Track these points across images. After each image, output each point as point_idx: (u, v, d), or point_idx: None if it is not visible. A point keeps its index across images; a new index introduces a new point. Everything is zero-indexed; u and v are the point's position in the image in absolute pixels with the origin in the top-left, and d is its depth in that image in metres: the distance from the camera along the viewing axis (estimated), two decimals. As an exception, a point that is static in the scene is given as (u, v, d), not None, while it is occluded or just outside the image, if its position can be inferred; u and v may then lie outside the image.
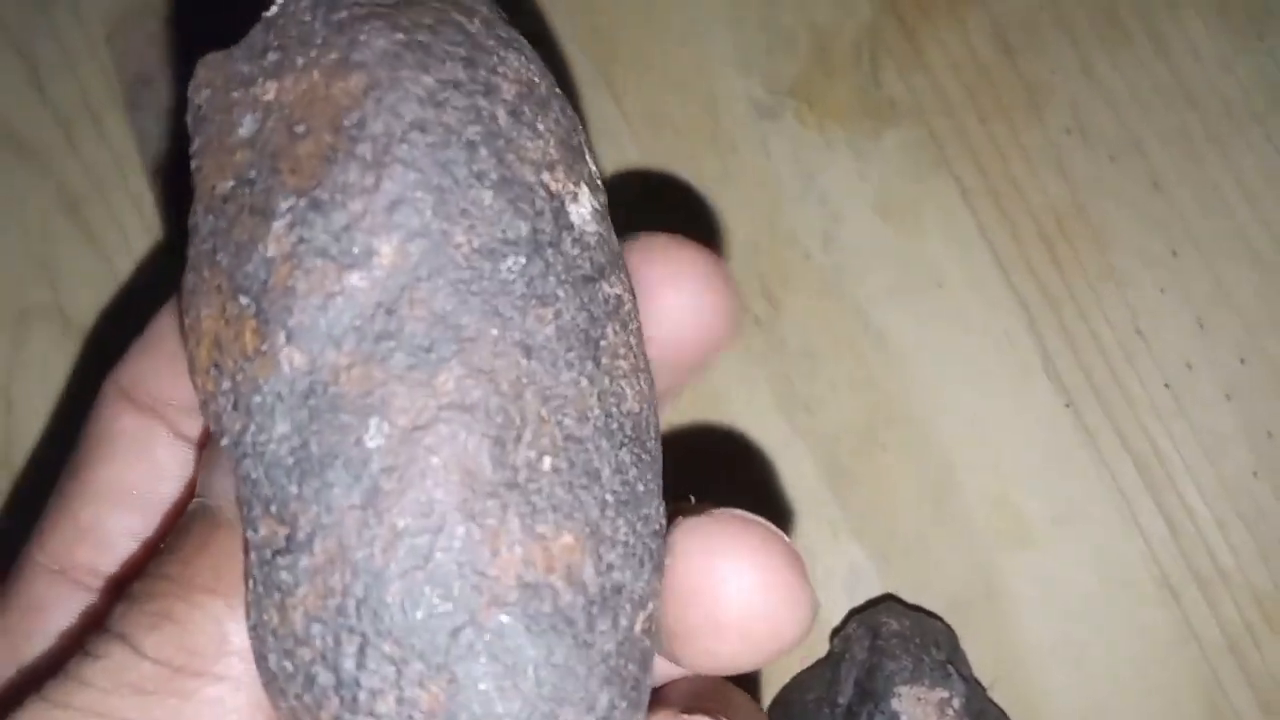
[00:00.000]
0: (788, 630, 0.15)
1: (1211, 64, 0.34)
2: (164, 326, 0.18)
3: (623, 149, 0.37)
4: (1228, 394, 0.33)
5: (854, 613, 0.33)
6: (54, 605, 0.17)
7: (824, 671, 0.31)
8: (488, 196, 0.14)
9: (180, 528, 0.15)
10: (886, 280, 0.35)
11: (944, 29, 0.35)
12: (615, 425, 0.14)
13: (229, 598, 0.14)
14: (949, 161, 0.35)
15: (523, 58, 0.15)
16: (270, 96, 0.14)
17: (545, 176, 0.14)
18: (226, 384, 0.14)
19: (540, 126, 0.15)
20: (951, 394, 0.34)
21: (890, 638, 0.29)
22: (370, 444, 0.13)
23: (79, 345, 0.39)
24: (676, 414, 0.35)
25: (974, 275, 0.34)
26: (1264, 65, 0.34)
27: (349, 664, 0.13)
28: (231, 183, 0.14)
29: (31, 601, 0.17)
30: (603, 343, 0.14)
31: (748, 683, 0.34)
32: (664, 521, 0.15)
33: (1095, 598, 0.33)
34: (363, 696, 0.13)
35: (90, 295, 0.39)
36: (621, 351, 0.15)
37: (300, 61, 0.14)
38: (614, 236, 0.16)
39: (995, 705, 0.31)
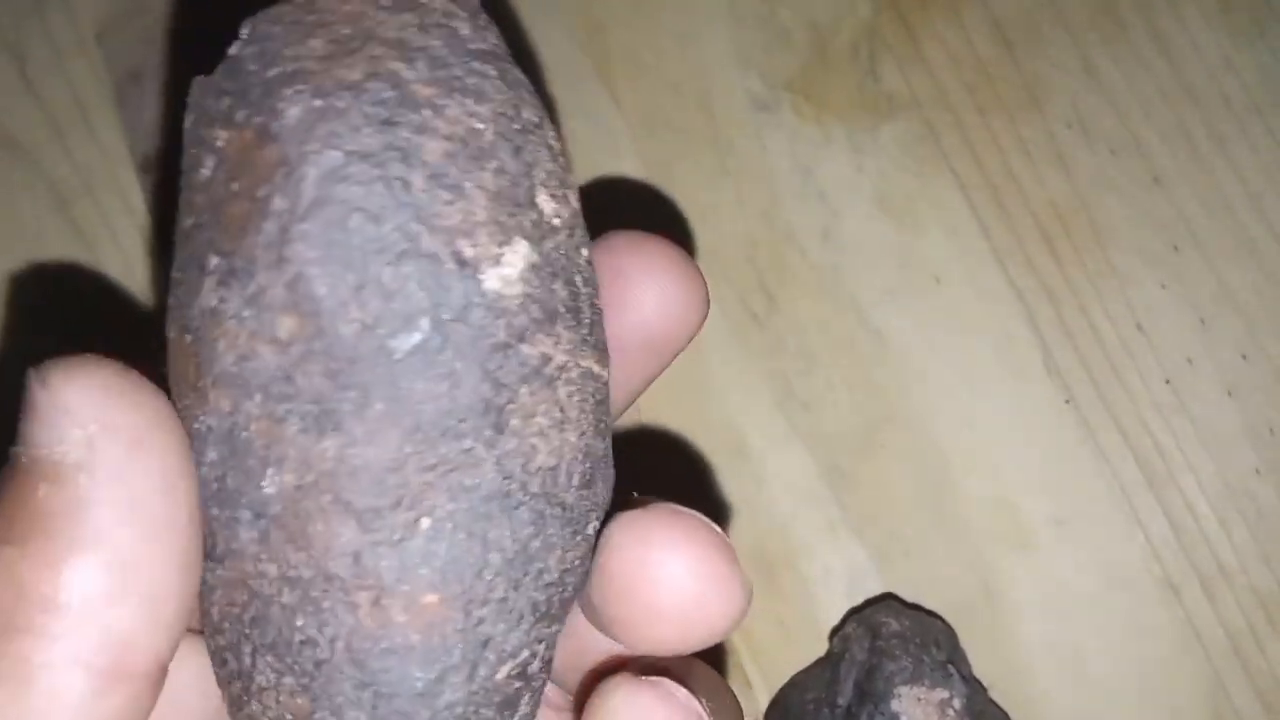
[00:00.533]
0: (721, 616, 0.16)
1: (1212, 59, 0.34)
2: None
3: (619, 145, 0.36)
4: (1229, 391, 0.33)
5: (853, 612, 0.33)
6: None
7: (823, 672, 0.31)
8: (386, 273, 0.14)
9: None
10: (885, 276, 0.35)
11: (942, 24, 0.35)
12: (515, 485, 0.15)
13: (21, 544, 0.13)
14: (948, 156, 0.35)
15: (471, 99, 0.15)
16: (221, 144, 0.15)
17: (461, 243, 0.15)
18: (183, 401, 0.15)
19: (467, 185, 0.15)
20: (950, 391, 0.34)
21: (890, 638, 0.29)
22: (267, 490, 0.14)
23: (68, 346, 0.39)
24: (674, 412, 0.35)
25: (973, 271, 0.34)
26: (1264, 61, 0.34)
27: (246, 661, 0.15)
28: (190, 220, 0.15)
29: None
30: (510, 406, 0.15)
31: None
32: (574, 565, 0.16)
33: (1096, 597, 0.33)
34: (253, 688, 0.15)
35: (80, 294, 0.39)
36: (541, 409, 0.15)
37: (239, 116, 0.15)
38: (571, 272, 0.16)
39: (996, 705, 0.31)
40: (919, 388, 0.34)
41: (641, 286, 0.18)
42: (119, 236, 0.39)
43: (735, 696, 0.18)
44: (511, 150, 0.16)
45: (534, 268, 0.15)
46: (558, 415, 0.15)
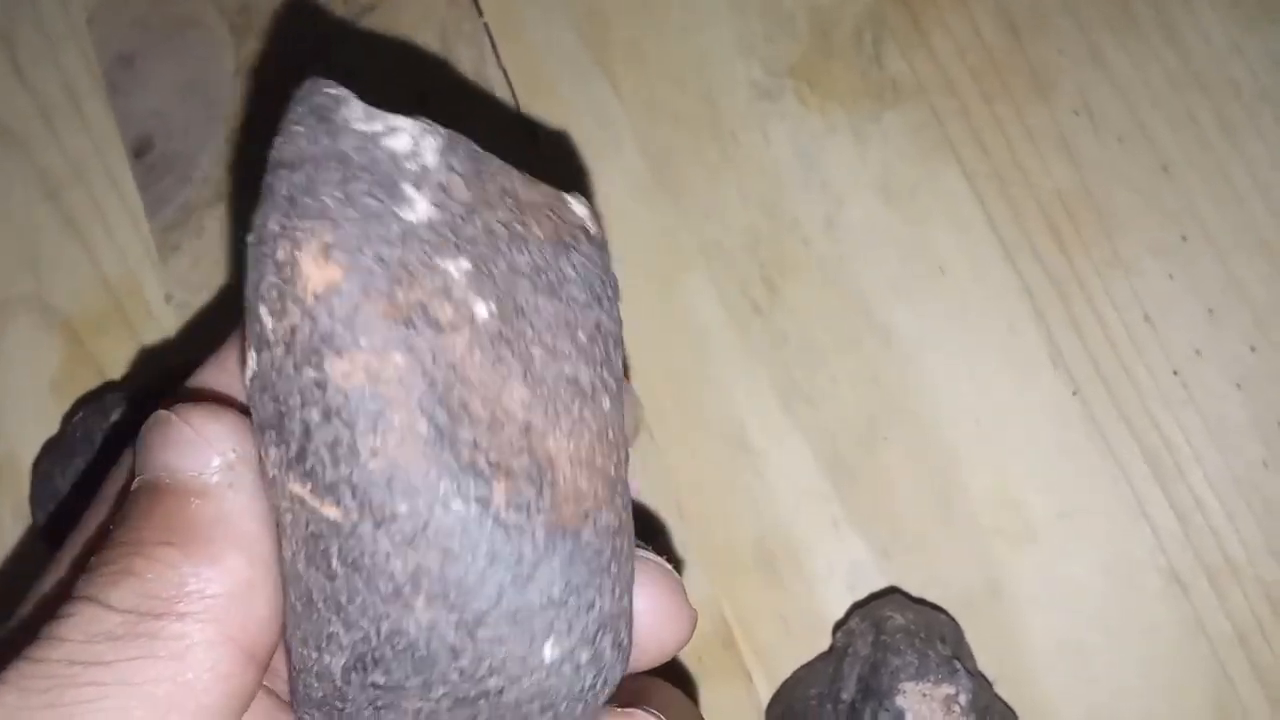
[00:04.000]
0: (671, 640, 0.20)
1: (1221, 47, 0.33)
2: None
3: (620, 135, 0.36)
4: (1238, 383, 0.32)
5: (857, 606, 0.32)
6: None
7: (826, 666, 0.30)
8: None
9: (126, 505, 0.17)
10: (889, 267, 0.34)
11: (948, 9, 0.35)
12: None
13: (182, 546, 0.16)
14: (953, 144, 0.34)
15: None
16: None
17: None
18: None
19: None
20: (955, 383, 0.33)
21: (895, 632, 0.28)
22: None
23: (60, 335, 0.38)
24: (675, 405, 0.35)
25: (978, 261, 0.34)
26: (1274, 48, 0.33)
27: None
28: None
29: None
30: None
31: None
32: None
33: (1101, 590, 0.32)
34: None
35: (71, 284, 0.38)
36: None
37: (346, 342, 0.15)
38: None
39: (1001, 701, 0.30)
40: (923, 379, 0.33)
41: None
42: (111, 224, 0.38)
43: (701, 716, 0.21)
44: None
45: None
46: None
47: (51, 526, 0.34)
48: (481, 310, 0.16)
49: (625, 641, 0.17)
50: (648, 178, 0.35)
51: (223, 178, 0.38)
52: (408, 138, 0.16)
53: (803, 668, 0.31)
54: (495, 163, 0.17)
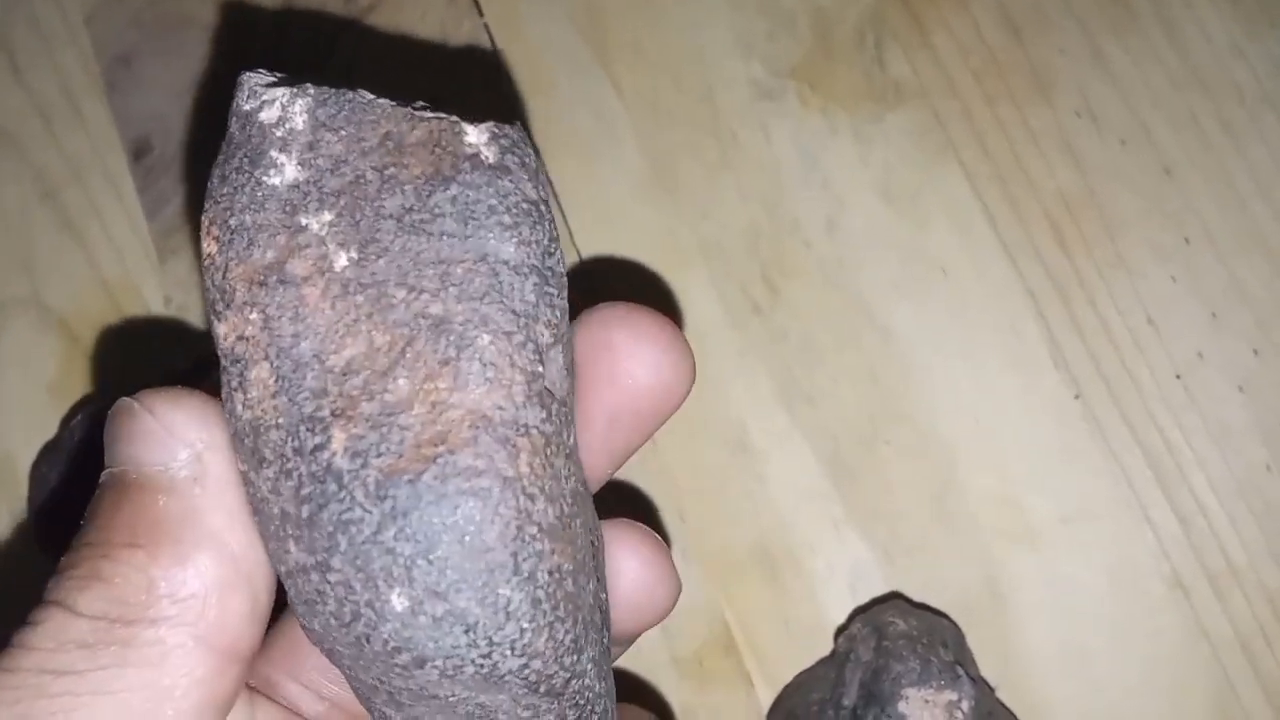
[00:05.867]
0: (653, 607, 0.20)
1: (1223, 48, 0.33)
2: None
3: (620, 135, 0.36)
4: (1240, 386, 0.32)
5: (859, 611, 0.32)
6: None
7: (827, 672, 0.30)
8: None
9: (94, 501, 0.17)
10: (890, 268, 0.34)
11: (950, 10, 0.34)
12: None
13: (149, 547, 0.16)
14: (955, 146, 0.34)
15: None
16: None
17: None
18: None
19: None
20: (956, 385, 0.33)
21: (897, 638, 0.28)
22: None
23: (58, 336, 0.38)
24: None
25: (980, 263, 0.34)
26: (1275, 50, 0.33)
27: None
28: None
29: None
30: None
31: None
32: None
33: (1103, 594, 0.32)
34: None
35: (69, 285, 0.38)
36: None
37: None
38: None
39: (1004, 706, 0.30)
40: (924, 381, 0.33)
41: (632, 360, 0.19)
42: (108, 224, 0.38)
43: None
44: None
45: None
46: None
47: (47, 529, 0.33)
48: (341, 259, 0.16)
49: (517, 603, 0.16)
50: (648, 176, 0.35)
51: (221, 179, 0.38)
52: (277, 106, 0.17)
53: (804, 673, 0.31)
54: (384, 109, 0.17)
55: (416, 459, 0.16)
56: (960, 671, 0.27)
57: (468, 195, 0.16)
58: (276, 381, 0.16)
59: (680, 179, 0.35)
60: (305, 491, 0.16)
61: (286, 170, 0.16)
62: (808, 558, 0.33)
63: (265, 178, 0.16)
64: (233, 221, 0.16)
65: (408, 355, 0.16)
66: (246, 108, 0.17)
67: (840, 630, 0.32)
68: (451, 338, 0.16)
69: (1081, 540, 0.32)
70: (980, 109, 0.34)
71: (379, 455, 0.16)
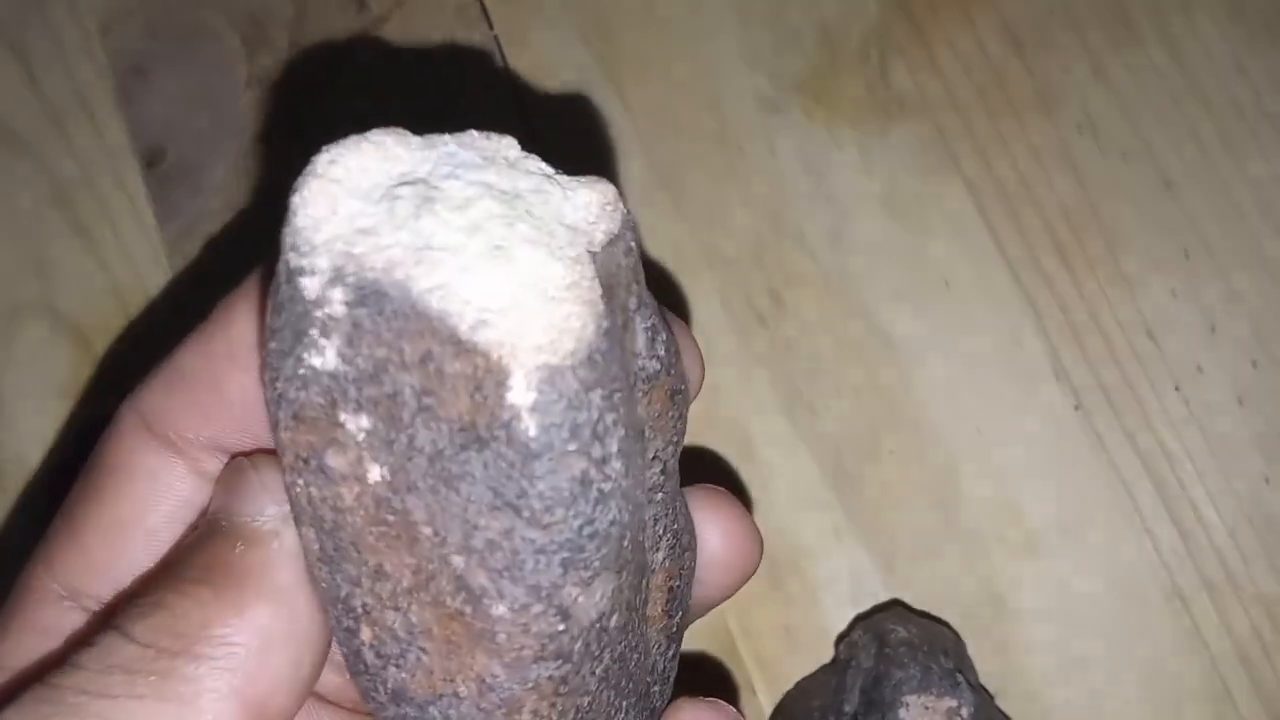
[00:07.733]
0: (741, 566, 0.21)
1: (1224, 64, 0.34)
2: (189, 363, 0.20)
3: (627, 147, 0.36)
4: (1239, 398, 0.33)
5: (860, 618, 0.32)
6: (62, 631, 0.18)
7: (828, 679, 0.30)
8: None
9: (182, 541, 0.18)
10: (893, 280, 0.34)
11: (953, 26, 0.35)
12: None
13: (215, 587, 0.16)
14: (958, 159, 0.34)
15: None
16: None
17: None
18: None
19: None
20: (958, 396, 0.34)
21: (898, 645, 0.28)
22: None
23: (70, 341, 0.39)
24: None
25: (982, 276, 0.34)
26: (1276, 66, 0.34)
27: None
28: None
29: (41, 626, 0.18)
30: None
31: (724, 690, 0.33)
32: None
33: (1103, 605, 0.32)
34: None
35: (81, 291, 0.39)
36: None
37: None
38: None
39: (1003, 714, 0.30)
40: (926, 392, 0.34)
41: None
42: (121, 232, 0.39)
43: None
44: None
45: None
46: None
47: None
48: (374, 473, 0.16)
49: None
50: (654, 188, 0.36)
51: (235, 189, 0.38)
52: (317, 283, 0.15)
53: (805, 679, 0.32)
54: (430, 322, 0.14)
55: (428, 686, 0.16)
56: (960, 679, 0.28)
57: (500, 466, 0.15)
58: (320, 550, 0.16)
59: (686, 191, 0.36)
60: (341, 637, 0.17)
61: (328, 355, 0.15)
62: (810, 565, 0.33)
63: (307, 355, 0.15)
64: (280, 385, 0.16)
65: (431, 588, 0.16)
66: (294, 264, 0.15)
67: (841, 637, 0.32)
68: (470, 595, 0.16)
69: (1081, 550, 0.33)
70: (983, 123, 0.34)
71: (397, 666, 0.17)
